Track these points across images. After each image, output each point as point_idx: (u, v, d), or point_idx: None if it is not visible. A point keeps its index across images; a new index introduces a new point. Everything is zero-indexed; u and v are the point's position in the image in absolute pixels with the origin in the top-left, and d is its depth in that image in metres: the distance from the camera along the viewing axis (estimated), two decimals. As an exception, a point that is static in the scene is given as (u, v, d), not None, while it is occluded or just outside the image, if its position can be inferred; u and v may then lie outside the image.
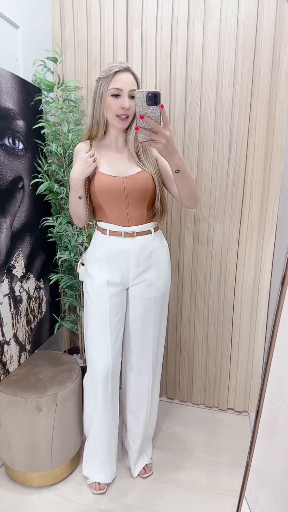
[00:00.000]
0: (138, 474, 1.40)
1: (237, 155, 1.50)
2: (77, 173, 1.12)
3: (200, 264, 1.67)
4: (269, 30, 1.36)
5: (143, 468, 1.41)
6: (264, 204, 1.52)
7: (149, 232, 1.21)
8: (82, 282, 1.32)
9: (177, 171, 1.02)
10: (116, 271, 1.21)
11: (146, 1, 1.47)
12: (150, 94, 0.86)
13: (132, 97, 1.10)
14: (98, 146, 1.20)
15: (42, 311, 1.57)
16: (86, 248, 1.54)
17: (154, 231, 1.23)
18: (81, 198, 1.19)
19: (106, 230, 1.19)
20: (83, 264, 1.34)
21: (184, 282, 1.70)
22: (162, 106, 0.87)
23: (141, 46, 1.52)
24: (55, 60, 1.42)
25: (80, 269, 1.35)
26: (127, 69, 1.10)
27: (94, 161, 1.13)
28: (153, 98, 0.86)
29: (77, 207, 1.21)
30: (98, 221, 1.25)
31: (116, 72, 1.08)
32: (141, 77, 1.54)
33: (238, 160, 1.50)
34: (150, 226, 1.21)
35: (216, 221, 1.60)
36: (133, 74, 1.11)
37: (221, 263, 1.63)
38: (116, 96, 1.09)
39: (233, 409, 1.79)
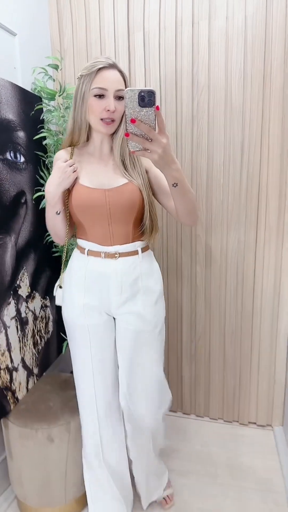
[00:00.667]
0: (161, 506, 1.30)
1: (250, 159, 1.43)
2: (53, 185, 0.98)
3: (214, 273, 1.58)
4: (279, 26, 1.29)
5: (164, 498, 1.31)
6: (282, 208, 1.45)
7: (135, 252, 1.04)
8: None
9: (174, 185, 0.86)
10: (96, 298, 1.05)
11: (147, 2, 1.41)
12: (143, 94, 0.70)
13: (118, 97, 0.96)
14: (79, 154, 1.06)
15: (49, 331, 1.48)
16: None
17: (142, 252, 1.05)
18: (59, 214, 1.04)
19: (85, 249, 1.04)
20: (60, 287, 1.16)
21: (197, 292, 1.62)
22: (157, 108, 0.71)
23: (143, 49, 1.45)
24: (56, 67, 1.35)
25: (57, 293, 1.17)
26: (113, 66, 0.95)
27: (74, 171, 0.99)
28: (147, 98, 0.71)
29: (54, 223, 1.07)
30: (78, 238, 1.10)
31: (100, 69, 0.93)
32: (145, 80, 1.48)
33: (251, 164, 1.43)
34: (137, 245, 1.04)
35: (230, 228, 1.52)
36: (120, 72, 0.96)
37: (237, 271, 1.55)
38: (100, 96, 0.94)
39: (255, 423, 1.69)
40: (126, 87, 0.97)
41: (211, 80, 1.40)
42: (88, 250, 1.04)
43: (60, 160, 1.00)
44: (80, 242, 1.08)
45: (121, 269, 1.02)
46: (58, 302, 1.16)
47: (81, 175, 1.02)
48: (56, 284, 1.18)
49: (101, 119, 0.96)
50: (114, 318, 1.11)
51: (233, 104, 1.40)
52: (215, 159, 1.47)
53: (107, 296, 1.04)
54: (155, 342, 1.10)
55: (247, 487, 1.38)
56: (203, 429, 1.68)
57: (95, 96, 0.94)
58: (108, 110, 0.94)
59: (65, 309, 1.10)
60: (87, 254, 1.04)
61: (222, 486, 1.39)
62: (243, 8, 1.32)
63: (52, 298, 1.49)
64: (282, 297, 1.53)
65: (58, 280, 1.18)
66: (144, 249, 1.07)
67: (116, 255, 1.02)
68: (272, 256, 1.50)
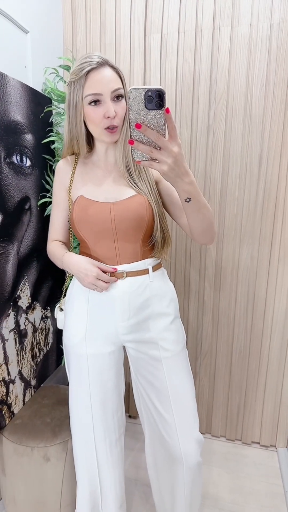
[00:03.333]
0: None
1: (268, 172, 1.36)
2: (70, 269, 0.91)
3: (223, 290, 1.52)
4: (306, 36, 1.23)
5: None
6: (298, 226, 1.38)
7: (145, 272, 0.93)
8: (61, 334, 1.09)
9: (187, 200, 0.74)
10: (100, 324, 0.94)
11: (167, 4, 1.35)
12: (150, 94, 0.58)
13: (116, 97, 0.84)
14: (84, 163, 0.97)
15: (48, 343, 1.42)
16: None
17: (154, 271, 0.94)
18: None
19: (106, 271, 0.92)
20: (61, 310, 1.07)
21: (205, 308, 1.56)
22: (167, 111, 0.59)
23: (160, 52, 1.39)
24: (67, 69, 1.29)
25: (58, 315, 1.07)
26: (103, 63, 0.82)
27: (102, 290, 0.88)
28: (155, 99, 0.59)
29: (54, 263, 1.01)
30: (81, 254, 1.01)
31: (88, 71, 0.81)
32: (160, 85, 1.41)
33: (269, 177, 1.36)
34: (147, 263, 0.93)
35: (243, 243, 1.45)
36: (113, 67, 0.84)
37: (249, 289, 1.49)
38: (96, 102, 0.83)
39: (258, 443, 1.64)
40: (123, 84, 0.85)
41: (230, 87, 1.34)
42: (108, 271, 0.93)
43: (99, 274, 0.87)
44: None
45: (129, 290, 0.91)
46: (60, 325, 1.08)
47: (85, 187, 0.94)
48: (57, 306, 1.10)
49: (105, 128, 0.86)
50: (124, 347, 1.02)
51: (252, 114, 1.33)
52: (230, 170, 1.40)
53: (112, 322, 0.94)
54: (183, 365, 0.97)
55: (249, 515, 1.32)
56: (204, 446, 1.62)
57: (90, 104, 0.83)
58: (109, 117, 0.84)
59: (65, 336, 1.00)
60: None
61: (222, 511, 1.33)
62: (268, 17, 1.25)
63: (53, 309, 1.43)
64: (294, 318, 1.47)
65: (59, 301, 1.10)
66: (155, 268, 0.96)
67: (123, 275, 0.91)
68: (286, 275, 1.44)
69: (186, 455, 0.93)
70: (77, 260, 0.91)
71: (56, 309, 1.09)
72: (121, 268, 0.92)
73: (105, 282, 0.89)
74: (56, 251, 0.99)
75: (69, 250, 1.02)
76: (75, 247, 1.31)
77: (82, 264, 0.89)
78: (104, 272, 0.90)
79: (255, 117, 1.33)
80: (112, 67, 0.84)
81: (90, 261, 0.89)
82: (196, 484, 0.97)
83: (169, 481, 1.00)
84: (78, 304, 0.97)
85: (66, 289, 1.10)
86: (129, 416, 1.78)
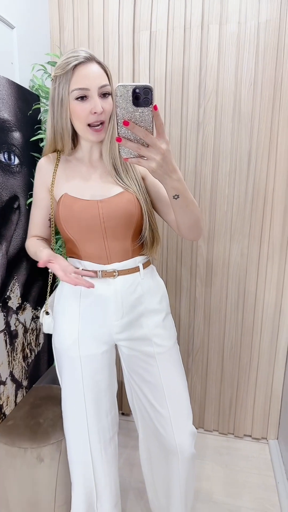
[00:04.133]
0: None
1: (257, 169, 1.37)
2: (43, 262, 0.82)
3: (214, 286, 1.53)
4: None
5: None
6: (286, 223, 1.40)
7: (136, 269, 0.93)
8: (51, 335, 1.03)
9: (175, 197, 0.74)
10: (93, 325, 0.93)
11: (155, 1, 1.34)
12: (137, 91, 0.58)
13: (103, 94, 0.83)
14: (66, 160, 0.94)
15: (39, 343, 1.41)
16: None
17: (144, 268, 0.94)
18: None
19: (78, 269, 0.90)
20: (47, 313, 1.03)
21: (196, 305, 1.57)
22: (155, 108, 0.59)
23: (149, 49, 1.38)
24: (55, 65, 1.27)
25: (45, 319, 1.03)
26: (90, 59, 0.81)
27: (76, 284, 0.79)
28: (142, 96, 0.58)
29: (35, 258, 0.97)
30: (69, 256, 0.97)
31: (75, 66, 0.79)
32: (149, 82, 1.41)
33: (258, 175, 1.38)
34: (137, 261, 0.93)
35: (233, 240, 1.47)
36: (100, 63, 0.83)
37: (239, 285, 1.50)
38: (83, 98, 0.81)
39: (250, 436, 1.66)
40: (109, 81, 0.84)
41: (220, 85, 1.34)
42: (83, 270, 0.91)
43: (67, 265, 0.82)
44: (72, 261, 0.96)
45: (121, 289, 0.91)
46: (46, 330, 1.04)
47: (69, 184, 0.91)
48: (42, 310, 1.05)
49: (89, 125, 0.84)
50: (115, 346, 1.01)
51: (241, 112, 1.34)
52: (220, 168, 1.41)
53: (106, 322, 0.93)
54: (175, 361, 0.98)
55: (242, 506, 1.34)
56: (198, 440, 1.64)
57: (77, 99, 0.81)
58: (95, 113, 0.82)
59: (57, 339, 0.97)
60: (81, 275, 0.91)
61: (216, 504, 1.35)
62: (256, 15, 1.26)
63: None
64: (283, 313, 1.50)
65: (44, 305, 1.06)
66: (145, 265, 0.96)
67: (114, 274, 0.91)
68: (275, 271, 1.46)
69: (181, 446, 0.94)
70: (43, 252, 0.88)
71: (42, 313, 1.05)
72: (112, 267, 0.91)
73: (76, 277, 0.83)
74: (33, 248, 0.97)
75: (50, 247, 1.00)
76: (60, 246, 1.30)
77: (59, 258, 0.86)
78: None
79: (244, 115, 1.35)
80: (99, 63, 0.83)
81: (56, 266, 0.83)
82: (190, 476, 0.99)
83: (164, 475, 1.01)
84: (69, 306, 0.95)
85: (51, 292, 1.08)
86: (122, 414, 1.78)
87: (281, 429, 1.58)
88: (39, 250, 0.92)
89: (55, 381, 1.67)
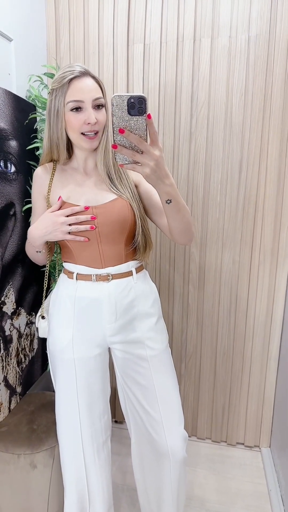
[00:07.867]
0: None
1: (248, 178, 1.41)
2: (39, 235, 0.90)
3: (207, 293, 1.55)
4: (282, 49, 1.29)
5: None
6: (277, 230, 1.43)
7: (129, 274, 0.96)
8: (45, 340, 1.06)
9: (168, 201, 0.78)
10: (87, 328, 0.96)
11: (149, 15, 1.38)
12: (132, 100, 0.63)
13: (97, 106, 0.88)
14: (62, 169, 0.98)
15: (33, 348, 1.42)
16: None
17: (137, 272, 0.98)
18: (39, 252, 0.98)
19: (73, 273, 0.95)
20: (43, 317, 1.05)
21: (189, 311, 1.59)
22: (149, 116, 0.63)
23: (143, 62, 1.42)
24: (51, 76, 1.30)
25: (40, 324, 1.05)
26: (85, 73, 0.86)
27: (70, 233, 0.89)
28: (137, 106, 0.63)
29: (34, 257, 1.02)
30: (64, 261, 1.00)
31: (71, 79, 0.85)
32: (142, 93, 1.44)
33: (249, 183, 1.41)
34: (131, 266, 0.96)
35: (225, 247, 1.49)
36: (94, 78, 0.88)
37: (231, 292, 1.52)
38: (77, 109, 0.86)
39: (243, 443, 1.66)
40: (103, 94, 0.90)
41: (211, 96, 1.38)
42: (77, 274, 0.95)
43: (51, 208, 0.90)
44: (68, 266, 0.99)
45: (115, 292, 0.93)
46: (41, 334, 1.06)
47: (64, 191, 0.95)
48: (38, 315, 1.07)
49: (82, 134, 0.88)
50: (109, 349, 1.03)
51: (233, 122, 1.38)
52: (212, 176, 1.44)
53: (99, 325, 0.96)
54: (167, 364, 1.00)
55: (235, 515, 1.34)
56: (191, 448, 1.64)
57: (72, 110, 0.86)
58: (89, 123, 0.86)
59: (51, 341, 1.00)
60: (76, 279, 0.95)
61: (209, 512, 1.35)
62: (246, 29, 1.30)
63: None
64: (274, 319, 1.51)
65: (40, 310, 1.08)
66: (138, 269, 0.99)
67: (108, 277, 0.94)
68: (266, 278, 1.48)
69: (173, 449, 0.95)
70: (38, 222, 0.92)
71: (37, 318, 1.07)
72: (107, 271, 0.94)
73: (80, 223, 0.89)
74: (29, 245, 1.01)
75: (49, 251, 1.03)
76: (55, 252, 1.32)
77: (43, 219, 0.91)
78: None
79: (235, 125, 1.38)
80: (93, 77, 0.88)
81: (45, 218, 0.91)
82: (182, 480, 0.99)
83: (155, 479, 1.01)
84: (64, 309, 0.97)
85: (46, 297, 1.10)
86: (115, 421, 1.78)
87: (274, 437, 1.59)
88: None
89: (49, 387, 1.67)
